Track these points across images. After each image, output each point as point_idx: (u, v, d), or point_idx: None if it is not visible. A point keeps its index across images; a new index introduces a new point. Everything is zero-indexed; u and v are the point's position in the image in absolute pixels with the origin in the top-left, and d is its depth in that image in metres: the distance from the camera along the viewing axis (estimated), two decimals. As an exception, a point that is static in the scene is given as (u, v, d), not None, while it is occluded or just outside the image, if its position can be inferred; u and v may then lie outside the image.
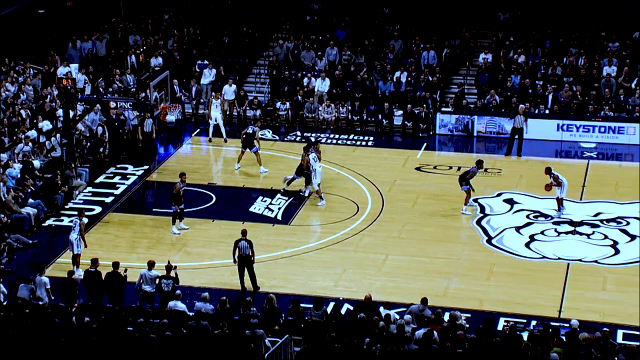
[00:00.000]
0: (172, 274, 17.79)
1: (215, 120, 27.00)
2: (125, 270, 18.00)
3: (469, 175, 22.37)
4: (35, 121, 24.87)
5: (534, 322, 17.57)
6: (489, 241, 21.25)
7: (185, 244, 21.11)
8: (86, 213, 21.57)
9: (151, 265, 17.98)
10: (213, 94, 27.86)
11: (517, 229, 21.76)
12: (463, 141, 27.53)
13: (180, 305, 16.93)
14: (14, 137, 23.95)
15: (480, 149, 27.14)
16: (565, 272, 19.84)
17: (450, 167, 25.27)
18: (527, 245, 21.05)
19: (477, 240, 21.29)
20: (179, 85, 28.48)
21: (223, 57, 30.36)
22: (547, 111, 27.67)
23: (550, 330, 15.59)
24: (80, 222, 19.53)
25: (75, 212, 21.83)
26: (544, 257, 20.55)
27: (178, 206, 21.27)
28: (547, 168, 22.40)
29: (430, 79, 28.54)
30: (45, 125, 24.82)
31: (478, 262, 20.35)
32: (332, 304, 17.37)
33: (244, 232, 19.10)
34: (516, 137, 26.04)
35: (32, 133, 24.26)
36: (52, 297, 17.74)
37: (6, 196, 21.53)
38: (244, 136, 24.79)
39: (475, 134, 27.65)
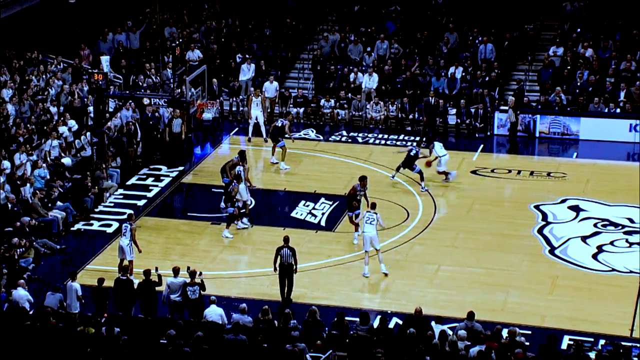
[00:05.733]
0: (197, 279, 17.91)
1: (256, 119, 27.17)
2: (157, 270, 18.15)
3: (359, 196, 21.06)
4: (62, 119, 25.20)
5: (602, 342, 17.31)
6: (551, 252, 21.04)
7: (221, 251, 21.25)
8: (118, 217, 21.88)
9: (176, 272, 18.08)
10: (252, 90, 28.01)
11: (583, 238, 21.51)
12: (524, 142, 27.25)
13: (216, 312, 16.95)
14: (42, 139, 24.27)
15: (542, 151, 26.89)
16: (638, 286, 19.55)
17: (509, 171, 25.04)
18: (595, 256, 20.80)
19: (539, 251, 21.07)
20: (218, 83, 28.62)
21: (264, 50, 30.51)
22: (618, 110, 27.28)
23: (621, 350, 15.35)
24: (131, 227, 19.76)
25: (106, 216, 22.16)
26: (613, 269, 20.29)
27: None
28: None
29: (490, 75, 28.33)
30: (74, 125, 25.12)
31: (540, 275, 20.14)
32: (379, 318, 17.31)
33: (286, 239, 19.14)
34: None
35: (63, 129, 24.58)
36: (83, 301, 17.99)
37: (32, 198, 21.89)
38: (271, 129, 25.27)
39: (537, 134, 27.37)
